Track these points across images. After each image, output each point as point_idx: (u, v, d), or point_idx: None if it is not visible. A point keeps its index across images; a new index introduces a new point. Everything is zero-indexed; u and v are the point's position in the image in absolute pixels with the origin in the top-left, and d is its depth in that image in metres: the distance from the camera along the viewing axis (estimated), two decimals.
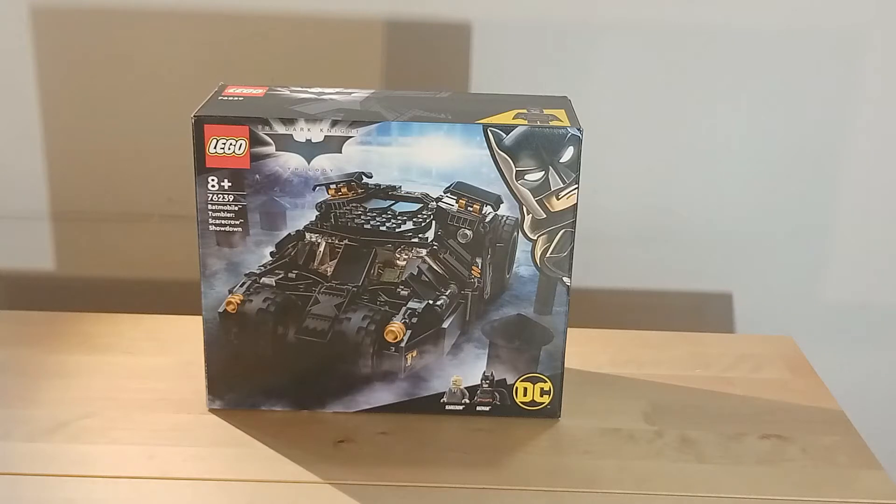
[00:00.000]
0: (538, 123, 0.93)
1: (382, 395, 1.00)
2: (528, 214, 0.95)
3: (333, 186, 0.94)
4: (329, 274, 0.97)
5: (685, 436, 1.00)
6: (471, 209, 0.95)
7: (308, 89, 1.02)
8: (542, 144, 0.93)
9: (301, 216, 0.95)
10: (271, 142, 0.93)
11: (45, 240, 1.31)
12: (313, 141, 0.93)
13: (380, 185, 0.94)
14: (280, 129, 0.92)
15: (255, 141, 0.93)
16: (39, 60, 1.24)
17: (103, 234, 1.31)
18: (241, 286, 0.97)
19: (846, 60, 1.25)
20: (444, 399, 1.01)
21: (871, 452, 0.98)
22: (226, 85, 1.02)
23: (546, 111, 0.97)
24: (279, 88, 1.02)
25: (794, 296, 1.35)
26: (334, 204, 0.95)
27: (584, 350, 1.14)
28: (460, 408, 1.01)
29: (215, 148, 0.93)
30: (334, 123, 0.92)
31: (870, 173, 1.30)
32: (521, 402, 1.01)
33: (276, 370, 1.00)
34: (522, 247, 0.96)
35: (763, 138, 1.28)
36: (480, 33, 1.24)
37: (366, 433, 0.98)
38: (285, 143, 0.93)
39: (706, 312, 1.36)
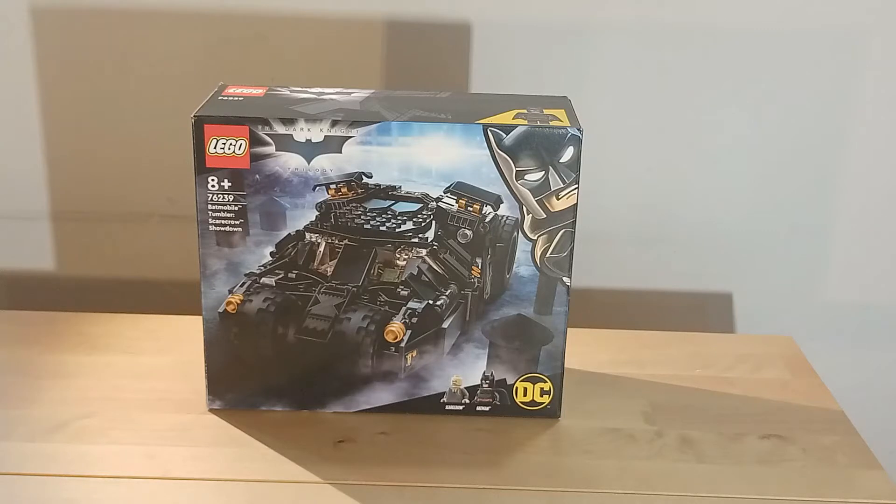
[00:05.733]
0: (538, 123, 0.93)
1: (382, 395, 1.00)
2: (528, 214, 0.95)
3: (333, 186, 0.94)
4: (329, 274, 0.97)
5: (685, 436, 1.00)
6: (471, 209, 0.95)
7: (308, 89, 1.02)
8: (542, 144, 0.93)
9: (301, 216, 0.95)
10: (271, 142, 0.93)
11: (45, 240, 1.31)
12: (313, 141, 0.93)
13: (380, 185, 0.94)
14: (280, 129, 0.92)
15: (255, 141, 0.93)
16: (39, 60, 1.24)
17: (103, 234, 1.31)
18: (241, 286, 0.97)
19: (846, 60, 1.25)
20: (444, 399, 1.01)
21: (871, 452, 0.98)
22: (226, 85, 1.02)
23: (546, 111, 0.97)
24: (279, 88, 1.02)
25: (794, 296, 1.35)
26: (334, 204, 0.95)
27: (584, 350, 1.14)
28: (460, 408, 1.01)
29: (215, 148, 0.93)
30: (334, 123, 0.92)
31: (870, 173, 1.30)
32: (521, 402, 1.01)
33: (276, 370, 1.00)
34: (522, 247, 0.96)
35: (763, 138, 1.28)
36: (480, 33, 1.24)
37: (366, 433, 0.98)
38: (285, 143, 0.93)
39: (706, 312, 1.36)
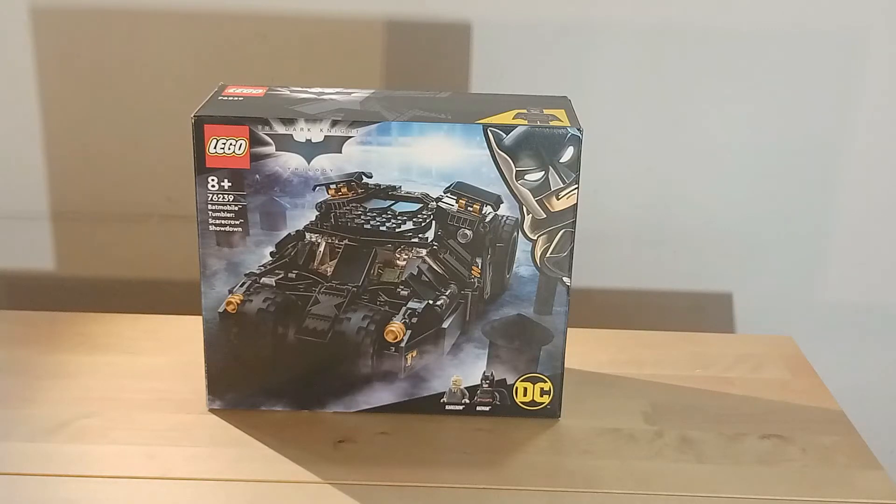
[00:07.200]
0: (538, 123, 0.93)
1: (382, 395, 1.00)
2: (528, 214, 0.95)
3: (333, 186, 0.94)
4: (329, 274, 0.97)
5: (685, 436, 1.00)
6: (471, 209, 0.95)
7: (308, 89, 1.02)
8: (542, 144, 0.93)
9: (301, 216, 0.95)
10: (271, 142, 0.93)
11: (45, 240, 1.31)
12: (313, 141, 0.93)
13: (380, 185, 0.94)
14: (280, 129, 0.92)
15: (255, 141, 0.93)
16: (39, 60, 1.24)
17: (103, 234, 1.31)
18: (241, 286, 0.97)
19: (846, 61, 1.25)
20: (444, 399, 1.01)
21: (871, 452, 0.98)
22: (226, 85, 1.02)
23: (546, 111, 0.97)
24: (279, 88, 1.02)
25: (794, 296, 1.35)
26: (334, 204, 0.95)
27: (584, 350, 1.14)
28: (460, 408, 1.01)
29: (215, 148, 0.93)
30: (334, 123, 0.92)
31: (869, 173, 1.30)
32: (521, 402, 1.01)
33: (276, 370, 1.00)
34: (522, 247, 0.96)
35: (763, 138, 1.28)
36: (480, 33, 1.24)
37: (366, 433, 0.98)
38: (285, 143, 0.93)
39: (706, 312, 1.36)
